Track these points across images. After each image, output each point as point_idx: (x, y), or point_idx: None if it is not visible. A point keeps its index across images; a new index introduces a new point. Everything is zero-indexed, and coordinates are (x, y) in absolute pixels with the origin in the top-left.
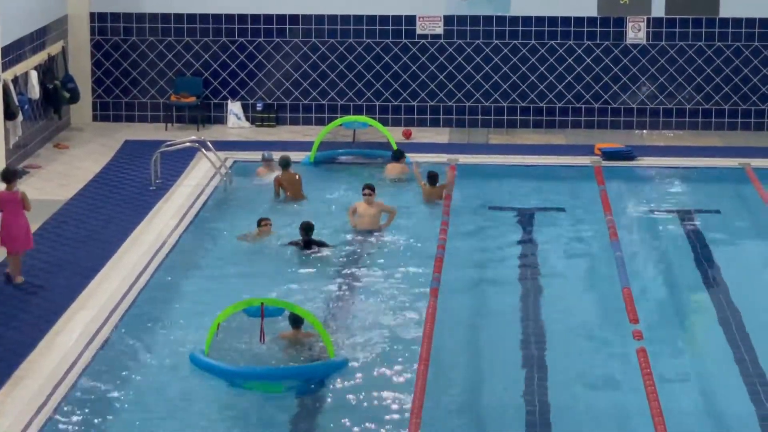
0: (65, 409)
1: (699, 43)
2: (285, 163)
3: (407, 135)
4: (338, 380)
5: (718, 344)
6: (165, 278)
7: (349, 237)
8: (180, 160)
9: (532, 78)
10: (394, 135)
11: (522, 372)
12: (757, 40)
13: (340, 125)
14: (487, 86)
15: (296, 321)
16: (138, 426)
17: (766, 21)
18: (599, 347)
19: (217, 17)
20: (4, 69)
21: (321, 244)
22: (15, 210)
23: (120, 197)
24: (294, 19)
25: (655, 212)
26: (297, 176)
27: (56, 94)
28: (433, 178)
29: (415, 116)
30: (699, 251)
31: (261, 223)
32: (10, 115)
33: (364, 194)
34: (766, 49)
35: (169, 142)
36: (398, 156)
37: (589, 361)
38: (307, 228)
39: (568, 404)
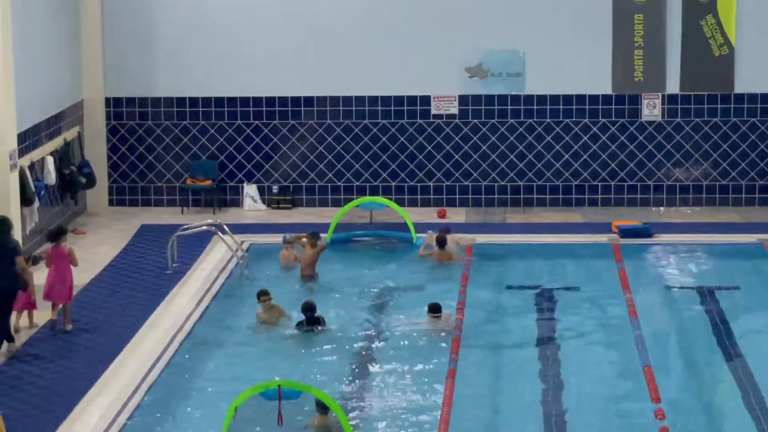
0: None
1: (714, 119)
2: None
3: (442, 215)
4: None
5: (740, 421)
6: (182, 363)
7: (365, 315)
8: (196, 244)
9: (548, 156)
10: (427, 214)
11: None
12: None
13: (357, 206)
14: (503, 165)
15: (324, 407)
16: None
17: None
18: (622, 427)
19: (231, 100)
20: (21, 155)
21: (319, 322)
22: (63, 265)
23: (137, 282)
24: (309, 101)
25: (674, 289)
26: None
27: (72, 179)
28: (442, 241)
29: (432, 196)
30: (719, 328)
31: (260, 298)
32: (26, 201)
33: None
34: None
35: (185, 226)
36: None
37: None
38: (308, 308)
39: None
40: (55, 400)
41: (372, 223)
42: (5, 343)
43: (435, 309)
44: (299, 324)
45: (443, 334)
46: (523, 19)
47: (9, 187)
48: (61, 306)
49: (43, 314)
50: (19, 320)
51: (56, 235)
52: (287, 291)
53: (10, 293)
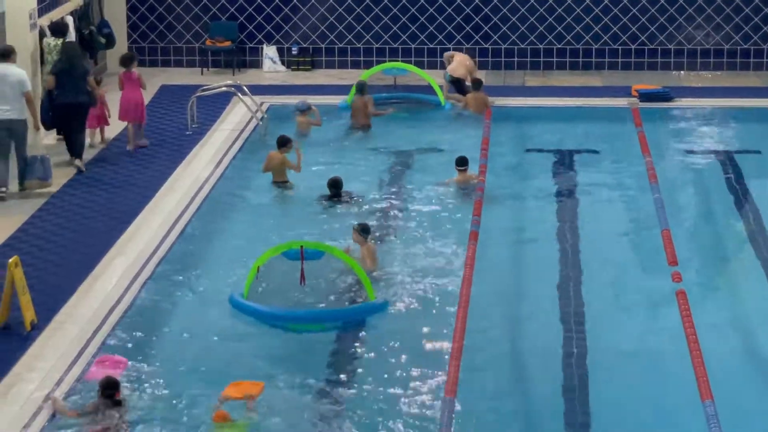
0: (106, 353)
1: None
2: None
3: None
4: (378, 322)
5: (759, 286)
6: (203, 223)
7: (385, 180)
8: (216, 105)
9: (569, 19)
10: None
11: (561, 313)
12: None
13: (380, 71)
14: (523, 28)
15: (365, 230)
16: (178, 368)
17: None
18: (638, 289)
19: None
20: (40, 15)
21: (349, 197)
22: (133, 87)
23: (156, 142)
24: None
25: (694, 153)
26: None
27: (92, 39)
28: (477, 83)
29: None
30: (739, 192)
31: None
32: (46, 62)
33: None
34: None
35: (204, 87)
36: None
37: (628, 302)
38: (334, 184)
39: (607, 346)
40: (76, 258)
41: (396, 86)
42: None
43: (462, 162)
44: (322, 197)
45: (468, 188)
46: None
47: (29, 45)
48: (134, 125)
49: (114, 130)
50: (93, 137)
51: (128, 60)
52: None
53: (85, 107)
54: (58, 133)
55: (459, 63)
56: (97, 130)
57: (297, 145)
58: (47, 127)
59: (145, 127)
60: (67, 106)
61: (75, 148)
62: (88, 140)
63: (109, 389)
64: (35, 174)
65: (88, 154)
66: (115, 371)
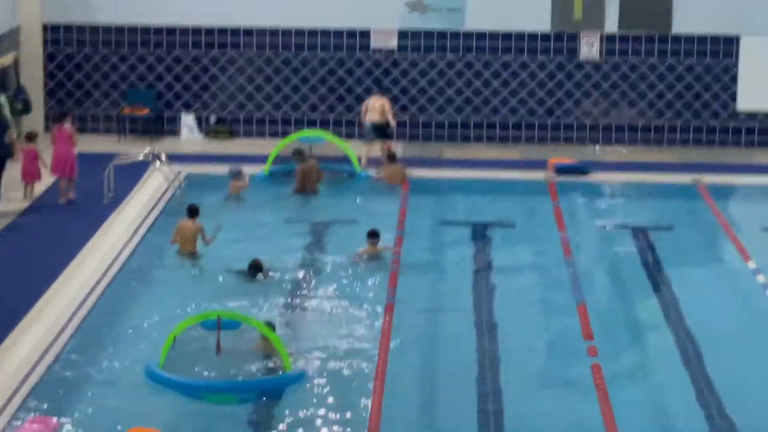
0: (17, 425)
1: (651, 60)
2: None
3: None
4: (295, 393)
5: (671, 357)
6: (119, 292)
7: (303, 252)
8: (133, 173)
9: (486, 93)
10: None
11: (477, 386)
12: (709, 56)
13: (297, 140)
14: (440, 100)
15: (271, 327)
16: None
17: (717, 38)
18: (554, 363)
19: (171, 30)
20: None
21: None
22: (65, 143)
23: (73, 210)
24: (248, 32)
25: (609, 228)
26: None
27: (9, 103)
28: (391, 156)
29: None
30: (651, 267)
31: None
32: None
33: None
34: (717, 66)
35: (122, 155)
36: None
37: (545, 376)
38: (255, 267)
39: (524, 416)
40: None
41: (311, 157)
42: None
43: (373, 234)
44: (241, 273)
45: (380, 260)
46: None
47: None
48: (65, 180)
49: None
50: (26, 192)
51: (61, 116)
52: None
53: (2, 159)
54: None
55: (372, 108)
56: (31, 185)
57: (217, 230)
58: None
59: (76, 180)
60: None
61: None
62: (20, 194)
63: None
64: None
65: (16, 207)
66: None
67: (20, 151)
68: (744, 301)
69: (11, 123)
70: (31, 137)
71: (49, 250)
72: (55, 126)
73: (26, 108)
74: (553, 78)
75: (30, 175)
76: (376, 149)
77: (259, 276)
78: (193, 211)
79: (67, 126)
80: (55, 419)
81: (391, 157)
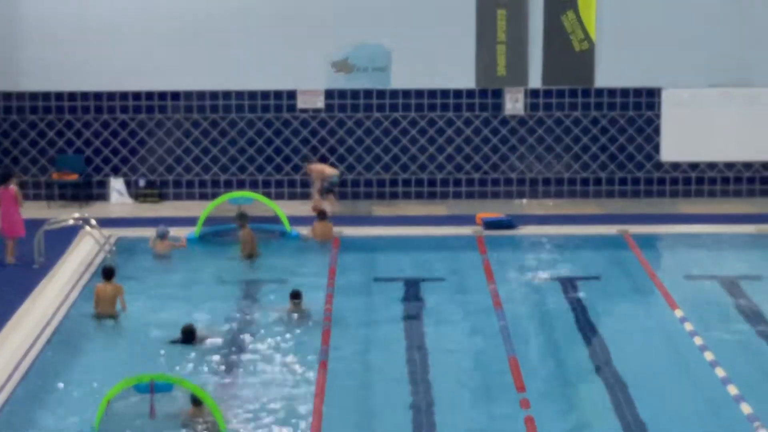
0: None
1: (575, 113)
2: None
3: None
4: None
5: (603, 406)
6: (51, 358)
7: (235, 312)
8: (63, 239)
9: (413, 150)
10: (294, 207)
11: None
12: (632, 109)
13: (226, 201)
14: (368, 159)
15: (197, 400)
16: None
17: (639, 90)
18: (488, 417)
19: (98, 95)
20: None
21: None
22: (10, 204)
23: (2, 276)
24: (175, 95)
25: (537, 280)
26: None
27: None
28: (321, 213)
29: (298, 189)
30: (580, 316)
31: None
32: None
33: None
34: (640, 118)
35: (52, 220)
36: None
37: (479, 428)
38: (187, 332)
39: None
40: None
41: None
42: None
43: (296, 295)
44: (173, 341)
45: (303, 319)
46: (389, 13)
47: None
48: (12, 240)
49: None
50: None
51: (4, 177)
52: (156, 283)
53: None
54: None
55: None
56: None
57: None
58: None
59: (22, 240)
60: None
61: None
62: None
63: None
64: None
65: None
66: None
67: None
68: (671, 348)
69: None
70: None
71: None
72: None
73: None
74: (479, 133)
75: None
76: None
77: (194, 342)
78: (108, 273)
79: (12, 187)
80: None
81: (321, 215)
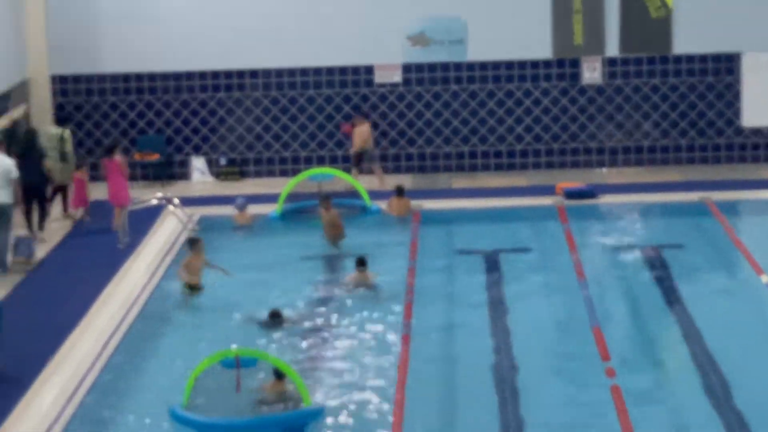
0: None
1: (654, 81)
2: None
3: (347, 130)
4: (315, 428)
5: (688, 375)
6: (138, 336)
7: (317, 287)
8: (146, 219)
9: (491, 122)
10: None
11: (497, 413)
12: (711, 75)
13: (307, 178)
14: (447, 132)
15: (279, 374)
16: None
17: (718, 56)
18: (572, 386)
19: (177, 75)
20: None
21: (285, 319)
22: (114, 174)
23: (89, 258)
24: (254, 73)
25: (620, 249)
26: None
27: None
28: (399, 189)
29: (378, 164)
30: (664, 285)
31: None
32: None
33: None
34: (719, 84)
35: (135, 200)
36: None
37: (564, 400)
38: (274, 315)
39: None
40: (12, 378)
41: (321, 193)
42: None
43: (361, 262)
44: (260, 322)
45: (369, 287)
46: None
47: None
48: (118, 209)
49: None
50: (76, 215)
51: (109, 148)
52: (239, 260)
53: (39, 187)
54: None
55: (357, 135)
56: (79, 210)
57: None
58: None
59: (129, 208)
60: (24, 186)
61: (32, 222)
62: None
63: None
64: (21, 253)
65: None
66: None
67: (79, 180)
68: (759, 315)
69: (71, 158)
70: (80, 167)
71: (69, 297)
72: (105, 158)
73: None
74: (557, 103)
75: (79, 202)
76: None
77: (280, 322)
78: (194, 244)
79: (117, 157)
80: None
81: (399, 191)
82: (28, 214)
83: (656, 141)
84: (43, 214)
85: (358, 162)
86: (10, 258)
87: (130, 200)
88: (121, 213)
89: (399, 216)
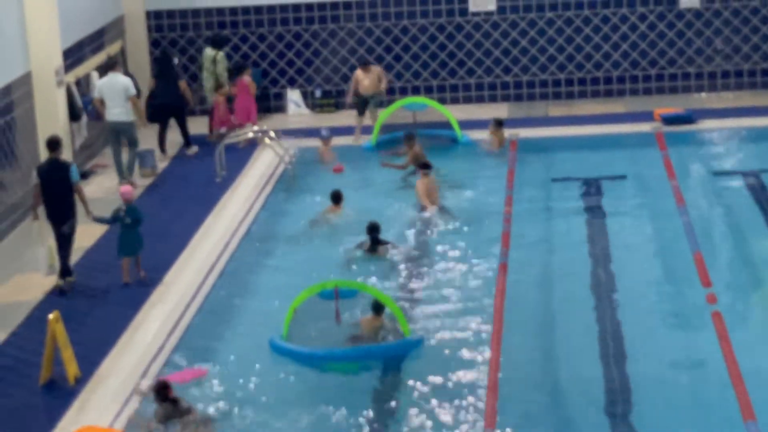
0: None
1: (753, 3)
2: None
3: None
4: (415, 358)
5: None
6: (238, 268)
7: (415, 214)
8: (243, 151)
9: (588, 48)
10: (469, 111)
11: (598, 343)
12: None
13: (400, 107)
14: (543, 59)
15: (378, 308)
16: (221, 410)
17: None
18: (673, 313)
19: (271, 8)
20: (66, 71)
21: (387, 243)
22: (242, 93)
23: (187, 191)
24: (347, 5)
25: (720, 175)
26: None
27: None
28: (498, 122)
29: (473, 93)
30: (766, 210)
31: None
32: (75, 117)
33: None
34: None
35: (232, 134)
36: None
37: (665, 327)
38: (372, 228)
39: (647, 373)
40: (116, 309)
41: (416, 123)
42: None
43: (499, 123)
44: (361, 244)
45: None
46: None
47: (57, 103)
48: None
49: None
50: (215, 133)
51: (238, 69)
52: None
53: (174, 108)
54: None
55: (370, 80)
56: (222, 129)
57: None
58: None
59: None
60: (160, 106)
61: (164, 141)
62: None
63: (161, 390)
64: (147, 164)
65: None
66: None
67: (219, 103)
68: None
69: (225, 81)
70: (219, 89)
71: (170, 230)
72: (235, 78)
73: (136, 94)
74: (654, 29)
75: (220, 122)
76: (367, 118)
77: (380, 249)
78: (336, 198)
79: (246, 78)
80: (204, 371)
81: (499, 123)
82: (162, 133)
83: (756, 64)
84: (185, 133)
85: (363, 109)
86: (136, 171)
87: (255, 119)
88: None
89: (495, 149)
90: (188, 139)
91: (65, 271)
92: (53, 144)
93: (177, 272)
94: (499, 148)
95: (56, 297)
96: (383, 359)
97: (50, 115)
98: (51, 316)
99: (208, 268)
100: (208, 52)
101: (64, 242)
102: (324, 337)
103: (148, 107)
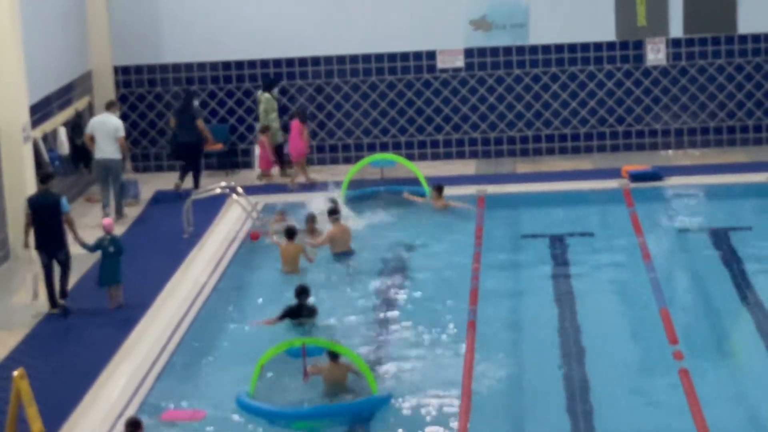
0: None
1: (719, 61)
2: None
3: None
4: (383, 416)
5: (758, 359)
6: (204, 325)
7: (380, 268)
8: (211, 208)
9: (555, 105)
10: (437, 168)
11: (565, 399)
12: None
13: (368, 164)
14: (510, 116)
15: (333, 355)
16: None
17: None
18: (641, 370)
19: (239, 64)
20: (33, 127)
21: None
22: (294, 135)
23: (154, 247)
24: (315, 60)
25: (687, 231)
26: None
27: (85, 148)
28: (438, 188)
29: (441, 149)
30: (733, 268)
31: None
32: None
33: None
34: None
35: (199, 190)
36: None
37: (632, 383)
38: (300, 292)
39: (615, 430)
40: (80, 367)
41: (383, 179)
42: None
43: (439, 189)
44: (289, 312)
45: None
46: None
47: (23, 158)
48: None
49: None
50: (267, 176)
51: (300, 113)
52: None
53: (192, 146)
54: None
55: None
56: (272, 170)
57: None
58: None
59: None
60: (180, 145)
61: (192, 177)
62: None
63: (132, 427)
64: (129, 195)
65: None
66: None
67: (262, 143)
68: None
69: (200, 113)
70: (263, 130)
71: (136, 286)
72: (291, 120)
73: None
74: (621, 86)
75: (266, 163)
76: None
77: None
78: (290, 233)
79: (296, 121)
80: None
81: (438, 188)
82: (183, 171)
83: (722, 122)
84: (197, 172)
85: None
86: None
87: (304, 154)
88: (302, 168)
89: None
90: (198, 183)
91: (63, 294)
92: (45, 178)
93: (143, 329)
94: (444, 209)
95: (18, 355)
96: (351, 417)
97: (17, 171)
98: (16, 373)
99: (174, 326)
100: (260, 93)
101: (63, 269)
102: (291, 394)
103: (171, 145)
